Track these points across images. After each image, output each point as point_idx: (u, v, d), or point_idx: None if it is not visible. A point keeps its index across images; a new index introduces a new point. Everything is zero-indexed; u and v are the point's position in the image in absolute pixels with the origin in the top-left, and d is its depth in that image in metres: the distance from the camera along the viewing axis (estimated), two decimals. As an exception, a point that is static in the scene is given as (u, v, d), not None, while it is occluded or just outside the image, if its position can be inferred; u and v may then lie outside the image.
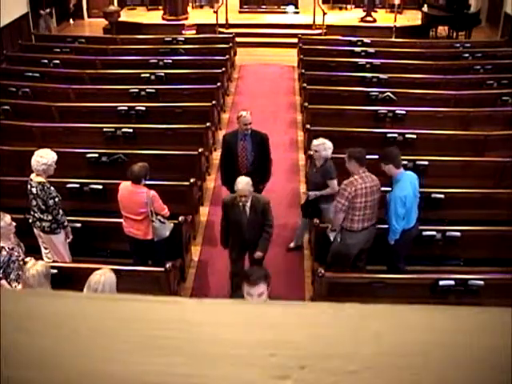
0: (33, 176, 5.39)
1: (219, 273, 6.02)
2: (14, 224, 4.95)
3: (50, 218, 5.42)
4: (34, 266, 4.26)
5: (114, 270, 5.09)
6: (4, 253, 4.77)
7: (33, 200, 5.40)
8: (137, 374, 0.59)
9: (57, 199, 5.39)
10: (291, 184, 7.90)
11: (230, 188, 6.65)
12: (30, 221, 5.54)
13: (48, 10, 12.99)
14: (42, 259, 5.41)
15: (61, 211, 5.46)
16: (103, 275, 4.18)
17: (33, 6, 13.03)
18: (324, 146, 5.78)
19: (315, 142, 5.87)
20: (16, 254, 4.85)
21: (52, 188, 5.38)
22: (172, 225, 5.63)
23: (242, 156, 6.24)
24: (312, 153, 5.96)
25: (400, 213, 5.26)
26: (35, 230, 5.54)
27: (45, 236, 5.55)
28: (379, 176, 5.47)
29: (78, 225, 5.91)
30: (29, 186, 5.42)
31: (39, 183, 5.33)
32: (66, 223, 5.55)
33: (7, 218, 4.87)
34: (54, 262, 5.46)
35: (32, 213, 5.49)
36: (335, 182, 5.83)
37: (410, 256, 6.01)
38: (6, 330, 0.62)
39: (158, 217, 5.48)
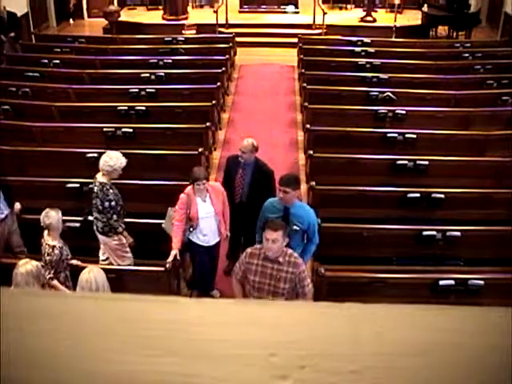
0: (98, 175, 5.35)
1: (219, 271, 6.01)
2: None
3: (104, 219, 5.38)
4: (24, 265, 4.22)
5: (115, 270, 5.12)
6: (56, 251, 4.80)
7: (93, 199, 5.38)
8: (137, 373, 0.59)
9: (113, 203, 5.31)
10: (291, 184, 7.89)
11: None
12: (90, 218, 5.56)
13: (13, 34, 12.20)
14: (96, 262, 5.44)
15: (115, 216, 5.36)
16: (91, 271, 4.19)
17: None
18: None
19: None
20: (65, 252, 4.89)
21: (111, 191, 5.30)
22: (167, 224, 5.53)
23: (237, 185, 5.68)
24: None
25: None
26: (94, 227, 5.55)
27: (99, 236, 5.55)
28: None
29: (78, 225, 5.91)
30: (92, 184, 5.41)
31: (100, 183, 5.29)
32: (119, 229, 5.45)
33: (60, 214, 4.90)
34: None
35: (92, 211, 5.49)
36: None
37: (410, 256, 6.02)
38: (6, 330, 0.62)
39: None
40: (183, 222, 5.22)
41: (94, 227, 5.51)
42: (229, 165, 5.86)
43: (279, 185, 4.86)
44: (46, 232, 4.86)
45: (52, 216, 4.81)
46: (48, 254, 4.76)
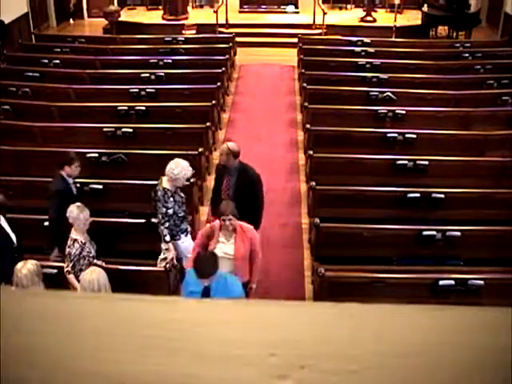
0: (164, 178, 5.35)
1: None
2: (90, 220, 4.93)
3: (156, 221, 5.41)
4: (25, 266, 4.20)
5: (115, 270, 5.13)
6: (77, 245, 4.81)
7: (155, 201, 5.38)
8: (137, 373, 0.59)
9: (170, 211, 5.28)
10: (291, 184, 7.90)
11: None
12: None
13: None
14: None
15: (167, 224, 5.30)
16: (93, 272, 4.21)
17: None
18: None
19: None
20: (87, 249, 4.88)
21: (171, 199, 5.28)
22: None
23: (224, 192, 5.49)
24: None
25: None
26: None
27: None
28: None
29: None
30: (156, 187, 5.39)
31: (163, 189, 5.29)
32: (167, 238, 5.34)
33: (86, 212, 4.88)
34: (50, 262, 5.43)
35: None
36: None
37: (409, 256, 6.02)
38: (5, 330, 0.62)
39: None
40: (199, 248, 4.86)
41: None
42: (217, 172, 5.82)
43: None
44: (74, 226, 4.91)
45: (84, 215, 4.83)
46: (68, 246, 4.83)
